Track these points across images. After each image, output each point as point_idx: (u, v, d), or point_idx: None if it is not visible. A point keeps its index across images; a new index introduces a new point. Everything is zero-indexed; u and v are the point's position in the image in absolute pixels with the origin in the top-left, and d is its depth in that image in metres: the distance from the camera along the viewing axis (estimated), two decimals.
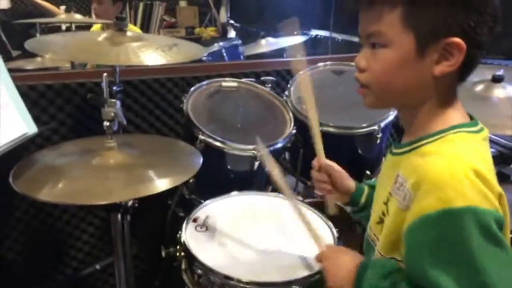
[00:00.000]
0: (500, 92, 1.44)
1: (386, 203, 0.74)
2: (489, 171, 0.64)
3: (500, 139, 1.86)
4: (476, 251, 0.58)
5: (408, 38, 0.64)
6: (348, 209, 1.02)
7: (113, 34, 1.26)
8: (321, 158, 0.98)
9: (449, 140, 0.66)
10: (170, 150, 1.17)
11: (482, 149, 0.67)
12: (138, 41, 1.26)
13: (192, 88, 1.51)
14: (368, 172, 1.58)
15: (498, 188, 0.62)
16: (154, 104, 1.75)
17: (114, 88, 1.34)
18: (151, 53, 1.21)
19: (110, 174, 0.98)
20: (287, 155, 1.71)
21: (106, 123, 1.02)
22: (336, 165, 1.00)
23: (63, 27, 3.04)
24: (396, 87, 0.68)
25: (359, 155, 1.57)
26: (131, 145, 1.11)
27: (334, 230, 1.14)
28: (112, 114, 1.00)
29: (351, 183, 1.00)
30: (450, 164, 0.61)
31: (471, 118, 0.72)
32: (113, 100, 1.02)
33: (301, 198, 1.58)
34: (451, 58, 0.64)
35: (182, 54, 1.26)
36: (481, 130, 0.70)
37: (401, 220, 0.66)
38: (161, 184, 0.96)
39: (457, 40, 0.62)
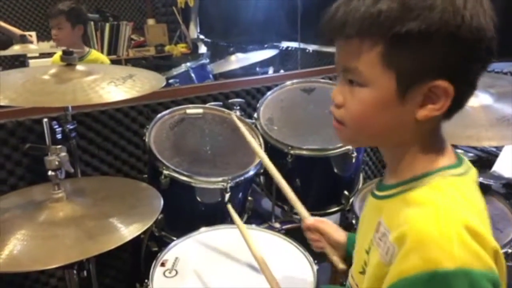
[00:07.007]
0: (472, 100, 1.39)
1: (368, 252, 0.67)
2: (483, 222, 0.56)
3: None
4: None
5: (389, 79, 0.56)
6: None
7: (60, 70, 1.17)
8: (305, 219, 0.97)
9: (437, 187, 0.59)
10: (127, 194, 1.06)
11: (473, 195, 0.60)
12: (88, 75, 1.17)
13: (155, 118, 1.42)
14: (346, 193, 1.52)
15: (494, 243, 0.53)
16: (118, 135, 1.66)
17: (68, 126, 1.25)
18: (103, 88, 1.12)
19: (58, 231, 0.88)
20: (261, 179, 1.64)
21: (50, 173, 0.93)
22: (324, 220, 0.97)
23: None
24: (373, 129, 0.62)
25: (336, 176, 1.50)
26: (83, 192, 1.01)
27: (311, 259, 1.09)
28: (57, 163, 0.91)
29: (340, 235, 0.94)
30: (439, 220, 0.53)
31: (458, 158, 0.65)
32: (58, 147, 0.92)
33: (278, 225, 1.52)
34: (438, 101, 0.57)
35: (138, 87, 1.17)
36: (468, 170, 0.63)
37: (382, 275, 0.58)
38: (116, 237, 0.87)
39: (444, 83, 0.55)
